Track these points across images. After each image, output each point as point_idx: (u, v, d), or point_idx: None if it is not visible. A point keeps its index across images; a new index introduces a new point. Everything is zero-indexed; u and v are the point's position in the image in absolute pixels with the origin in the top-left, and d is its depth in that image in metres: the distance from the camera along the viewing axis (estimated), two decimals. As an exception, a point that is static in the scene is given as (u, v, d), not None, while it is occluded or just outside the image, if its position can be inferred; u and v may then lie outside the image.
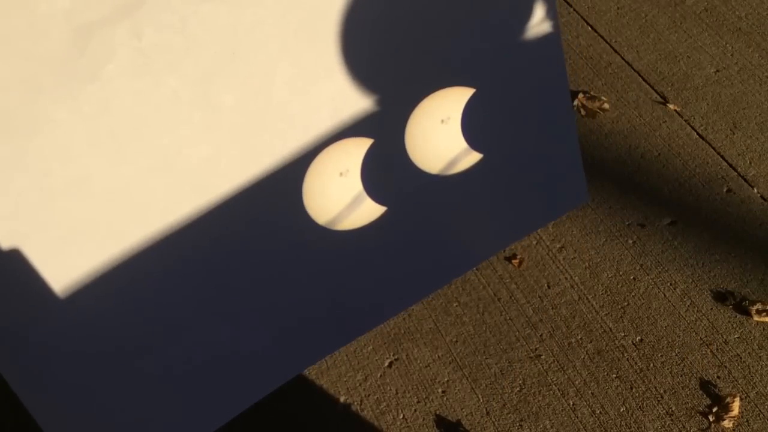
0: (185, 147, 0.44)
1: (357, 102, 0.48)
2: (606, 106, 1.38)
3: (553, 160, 0.65)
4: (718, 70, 1.42)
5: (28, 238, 0.41)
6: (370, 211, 0.54)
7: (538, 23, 0.51)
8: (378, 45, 0.48)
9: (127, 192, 0.44)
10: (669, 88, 1.40)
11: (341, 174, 0.50)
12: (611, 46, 1.48)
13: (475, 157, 0.56)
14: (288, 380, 0.68)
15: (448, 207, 0.60)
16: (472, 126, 0.54)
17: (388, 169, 0.53)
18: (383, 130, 0.50)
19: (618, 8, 1.55)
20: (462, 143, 0.54)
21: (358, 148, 0.50)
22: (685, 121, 1.36)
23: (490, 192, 0.62)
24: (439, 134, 0.53)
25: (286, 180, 0.49)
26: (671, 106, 1.38)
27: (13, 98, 0.38)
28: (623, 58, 1.46)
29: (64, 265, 0.44)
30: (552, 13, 0.52)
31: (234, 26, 0.42)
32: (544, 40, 0.53)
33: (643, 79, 1.42)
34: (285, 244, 0.53)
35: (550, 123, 0.62)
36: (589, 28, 1.51)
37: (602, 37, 1.50)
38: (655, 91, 1.40)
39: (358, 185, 0.52)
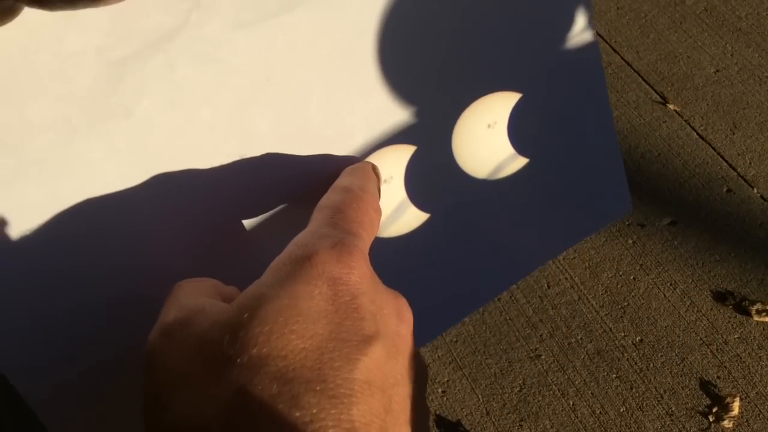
0: (222, 178, 0.44)
1: (397, 112, 0.48)
2: (606, 106, 1.39)
3: (596, 167, 0.65)
4: (718, 70, 1.42)
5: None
6: (413, 218, 0.54)
7: (578, 31, 0.51)
8: (416, 54, 0.48)
9: (163, 229, 0.44)
10: (669, 88, 1.40)
11: (385, 181, 0.50)
12: (611, 46, 1.48)
13: (522, 161, 0.56)
14: None
15: (494, 214, 0.59)
16: (519, 131, 0.54)
17: (432, 176, 0.53)
18: (426, 137, 0.50)
19: (618, 8, 1.54)
20: (509, 148, 0.54)
21: (400, 155, 0.50)
22: (685, 121, 1.36)
23: (537, 199, 0.62)
24: (486, 139, 0.53)
25: None
26: (671, 106, 1.38)
27: (46, 141, 0.38)
28: (623, 58, 1.46)
29: (97, 301, 0.44)
30: (590, 19, 0.52)
31: (267, 53, 0.42)
32: (583, 47, 0.53)
33: (643, 79, 1.42)
34: None
35: (592, 129, 0.62)
36: (589, 28, 1.51)
37: (602, 37, 1.50)
38: (655, 91, 1.40)
39: (401, 192, 0.52)
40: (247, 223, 0.50)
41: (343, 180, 0.39)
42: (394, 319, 0.28)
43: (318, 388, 0.22)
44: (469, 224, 0.61)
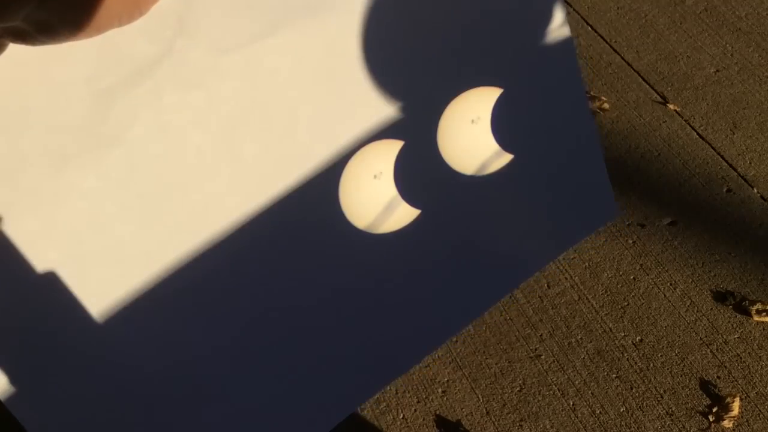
0: (213, 201, 0.45)
1: (384, 109, 0.48)
2: (606, 106, 1.38)
3: (579, 167, 0.65)
4: (718, 70, 1.42)
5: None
6: (405, 214, 0.54)
7: (554, 27, 0.51)
8: (399, 53, 0.48)
9: (158, 253, 0.44)
10: (669, 88, 1.40)
11: (375, 177, 0.50)
12: (611, 46, 1.48)
13: (506, 158, 0.56)
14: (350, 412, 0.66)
15: (484, 215, 0.59)
16: (501, 126, 0.55)
17: (420, 171, 0.53)
18: (413, 132, 0.50)
19: (618, 8, 1.55)
20: (493, 143, 0.54)
21: (389, 150, 0.50)
22: (685, 121, 1.36)
23: (525, 199, 0.62)
24: (470, 134, 0.53)
25: (320, 197, 0.49)
26: (671, 106, 1.38)
27: (37, 171, 0.37)
28: (623, 58, 1.46)
29: (99, 338, 0.44)
30: (563, 17, 0.53)
31: (252, 76, 0.42)
32: (558, 44, 0.53)
33: (643, 79, 1.42)
34: (331, 265, 0.53)
35: (571, 129, 0.62)
36: (589, 28, 1.51)
37: (602, 37, 1.50)
38: (655, 91, 1.40)
39: (392, 188, 0.52)
40: (240, 240, 0.50)
41: None
42: None
43: None
44: (460, 224, 0.61)
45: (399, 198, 0.53)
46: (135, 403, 0.46)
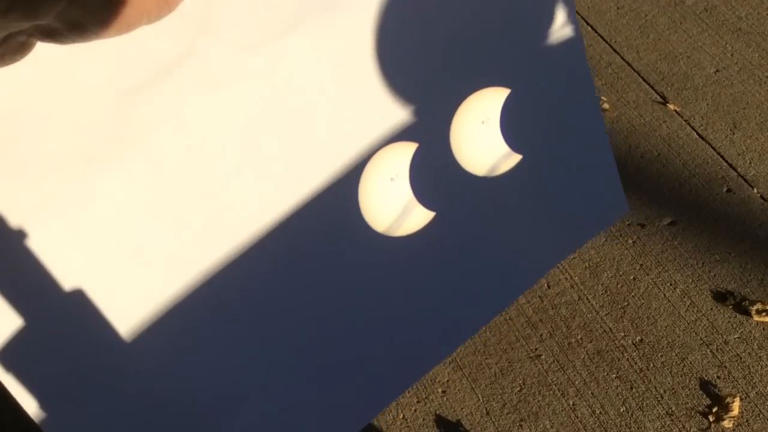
0: (237, 203, 0.45)
1: (398, 112, 0.48)
2: (606, 106, 1.38)
3: (589, 165, 0.65)
4: (718, 70, 1.42)
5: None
6: (421, 217, 0.54)
7: (561, 26, 0.51)
8: (412, 56, 0.48)
9: (182, 255, 0.44)
10: (669, 88, 1.40)
11: (392, 179, 0.50)
12: (611, 46, 1.48)
13: (516, 158, 0.56)
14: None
15: (497, 216, 0.59)
16: (511, 126, 0.55)
17: (435, 174, 0.54)
18: (427, 134, 0.50)
19: (618, 8, 1.55)
20: (503, 144, 0.54)
21: (404, 152, 0.50)
22: (685, 121, 1.36)
23: (536, 200, 0.62)
24: (480, 135, 0.53)
25: (339, 201, 0.49)
26: (671, 106, 1.38)
27: (62, 175, 0.37)
28: (623, 58, 1.46)
29: (123, 333, 0.44)
30: (573, 17, 0.53)
31: (272, 76, 0.42)
32: (567, 44, 0.54)
33: (643, 79, 1.42)
34: (348, 264, 0.53)
35: (581, 129, 0.62)
36: (589, 28, 1.51)
37: (602, 37, 1.50)
38: (655, 91, 1.40)
39: (408, 191, 0.52)
40: (262, 243, 0.50)
41: None
42: None
43: None
44: (475, 225, 0.61)
45: (415, 200, 0.53)
46: (157, 406, 0.46)
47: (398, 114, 0.49)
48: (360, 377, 0.57)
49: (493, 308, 0.65)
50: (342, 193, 0.49)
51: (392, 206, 0.55)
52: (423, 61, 0.49)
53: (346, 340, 0.55)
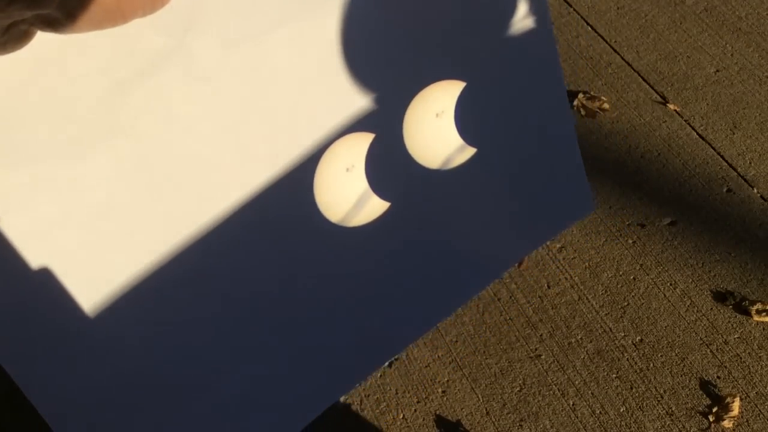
0: (217, 191, 0.46)
1: (357, 100, 0.49)
2: (606, 106, 1.38)
3: (553, 163, 0.65)
4: (718, 70, 1.42)
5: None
6: (376, 207, 0.54)
7: (525, 16, 0.52)
8: (377, 47, 0.49)
9: (164, 242, 0.46)
10: (669, 88, 1.40)
11: (347, 170, 0.51)
12: (611, 46, 1.48)
13: (470, 152, 0.56)
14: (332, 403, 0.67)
15: (452, 210, 0.60)
16: (465, 120, 0.55)
17: (389, 164, 0.54)
18: (382, 125, 0.51)
19: (618, 8, 1.55)
20: (457, 137, 0.55)
21: (361, 142, 0.51)
22: (685, 121, 1.36)
23: (491, 194, 0.62)
24: (434, 128, 0.54)
25: (297, 188, 0.50)
26: (671, 106, 1.38)
27: (53, 162, 0.39)
28: (623, 58, 1.46)
29: (108, 323, 0.46)
30: (543, 8, 0.53)
31: (256, 74, 0.43)
32: (534, 37, 0.54)
33: (643, 79, 1.42)
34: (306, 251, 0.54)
35: (547, 124, 0.62)
36: (589, 28, 1.51)
37: (602, 37, 1.50)
38: (655, 91, 1.40)
39: (363, 181, 0.53)
40: (247, 226, 0.51)
41: None
42: None
43: None
44: (430, 217, 0.62)
45: (370, 191, 0.54)
46: (126, 385, 0.47)
47: (356, 104, 0.50)
48: (320, 364, 0.58)
49: (450, 302, 0.66)
50: (299, 184, 0.50)
51: (347, 197, 0.56)
52: (383, 52, 0.50)
53: (303, 326, 0.56)
